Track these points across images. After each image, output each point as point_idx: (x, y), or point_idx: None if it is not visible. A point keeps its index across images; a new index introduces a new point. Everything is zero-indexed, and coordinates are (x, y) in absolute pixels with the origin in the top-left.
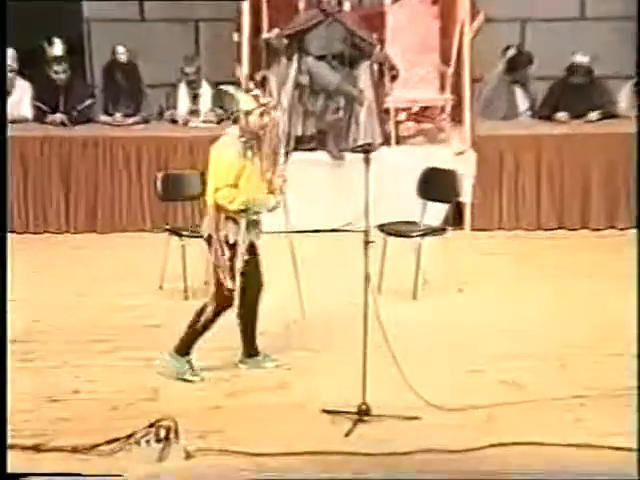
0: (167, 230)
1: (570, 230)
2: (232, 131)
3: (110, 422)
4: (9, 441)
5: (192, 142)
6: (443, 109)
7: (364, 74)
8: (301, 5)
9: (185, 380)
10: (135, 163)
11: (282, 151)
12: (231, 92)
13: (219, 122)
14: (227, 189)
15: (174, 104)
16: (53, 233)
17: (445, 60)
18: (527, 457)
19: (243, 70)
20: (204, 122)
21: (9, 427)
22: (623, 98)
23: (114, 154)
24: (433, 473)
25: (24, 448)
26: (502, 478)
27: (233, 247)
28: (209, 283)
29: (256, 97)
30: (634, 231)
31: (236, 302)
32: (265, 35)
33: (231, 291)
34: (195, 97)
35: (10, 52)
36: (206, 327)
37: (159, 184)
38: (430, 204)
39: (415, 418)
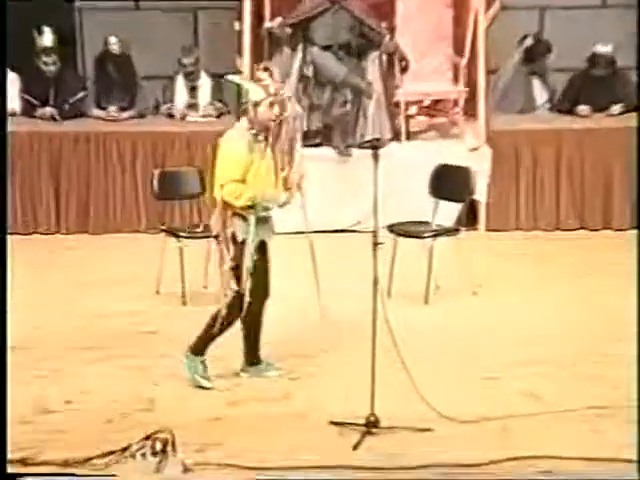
0: (164, 231)
1: (591, 230)
2: (241, 123)
3: (104, 434)
4: None
5: (190, 138)
6: (456, 102)
7: (372, 65)
8: None
9: (198, 386)
10: (130, 160)
11: (299, 145)
12: (238, 82)
13: (219, 116)
14: (234, 184)
15: (171, 97)
16: (42, 234)
17: (458, 50)
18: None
19: (244, 61)
20: (203, 116)
21: None
22: None
23: (107, 150)
24: None
25: (12, 462)
26: None
27: (241, 246)
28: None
29: (266, 87)
30: None
31: (245, 305)
32: (268, 24)
33: (240, 294)
34: (193, 90)
35: None
36: (223, 330)
37: (155, 182)
38: (442, 203)
39: (427, 430)
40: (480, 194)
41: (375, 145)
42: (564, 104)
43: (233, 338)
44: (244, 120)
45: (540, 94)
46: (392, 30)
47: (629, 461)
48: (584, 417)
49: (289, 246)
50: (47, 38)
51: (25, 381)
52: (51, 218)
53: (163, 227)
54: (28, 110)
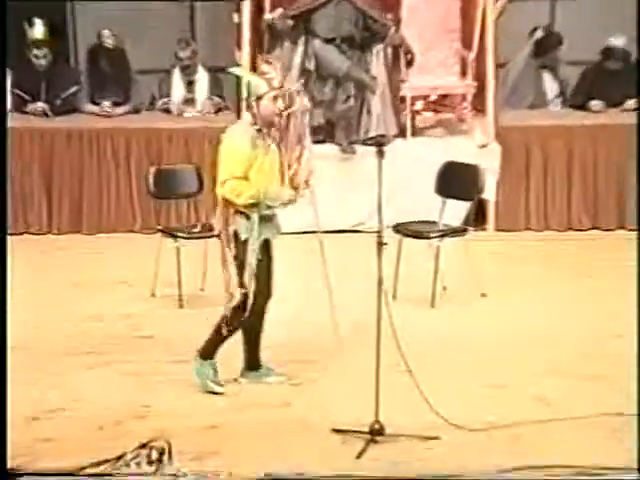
0: (160, 231)
1: (605, 230)
2: (243, 118)
3: (97, 442)
4: None
5: (187, 134)
6: (464, 97)
7: (377, 59)
8: None
9: (209, 391)
10: (124, 157)
11: (308, 141)
12: (241, 75)
13: (217, 112)
14: (235, 181)
15: (167, 92)
16: (34, 234)
17: (466, 43)
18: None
19: (243, 55)
20: (200, 112)
21: None
22: None
23: (101, 147)
24: None
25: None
26: None
27: (244, 245)
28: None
29: (269, 80)
30: None
31: (248, 306)
32: (268, 16)
33: (244, 295)
34: (190, 84)
35: None
36: (231, 332)
37: (151, 180)
38: (450, 202)
39: (434, 438)
40: (489, 193)
41: (379, 142)
42: (576, 99)
43: (232, 342)
44: (247, 115)
45: (551, 88)
46: (397, 22)
47: None
48: (598, 424)
49: (291, 245)
50: (38, 30)
51: (15, 387)
52: (43, 218)
53: (159, 227)
54: (19, 105)
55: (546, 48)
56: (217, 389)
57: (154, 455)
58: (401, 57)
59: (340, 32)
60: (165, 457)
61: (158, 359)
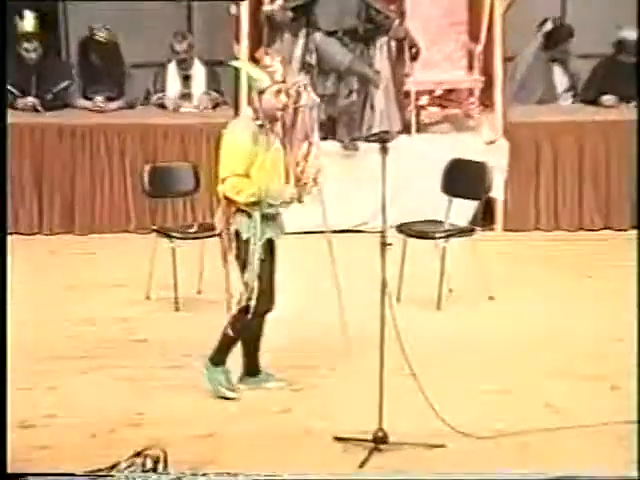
0: (155, 231)
1: (617, 230)
2: (245, 113)
3: (90, 450)
4: None
5: (184, 130)
6: (471, 92)
7: (380, 52)
8: None
9: (221, 397)
10: (118, 154)
11: (316, 137)
12: (242, 68)
13: (214, 107)
14: (235, 179)
15: (163, 87)
16: (23, 234)
17: (473, 36)
18: None
19: (242, 48)
20: (197, 107)
21: None
22: None
23: (94, 144)
24: None
25: None
26: None
27: (246, 245)
28: (202, 292)
29: (272, 74)
30: None
31: (252, 308)
32: (267, 7)
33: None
34: (187, 79)
35: None
36: (237, 335)
37: (146, 178)
38: (456, 201)
39: (439, 446)
40: (497, 191)
41: (383, 138)
42: (588, 93)
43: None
44: (249, 110)
45: (561, 82)
46: (402, 14)
47: None
48: (607, 432)
49: (293, 245)
50: (28, 22)
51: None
52: (33, 217)
53: (154, 227)
54: (8, 101)
55: (556, 41)
56: (229, 394)
57: (149, 464)
58: (405, 50)
59: (342, 24)
60: (160, 466)
61: (153, 364)
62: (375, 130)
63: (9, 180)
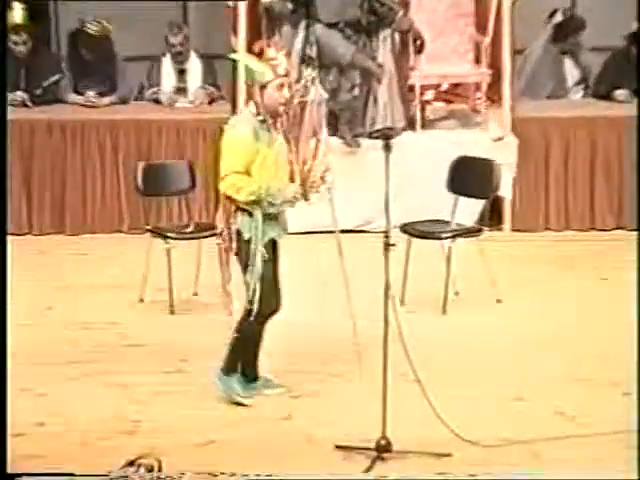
0: (149, 231)
1: (630, 231)
2: (248, 108)
3: (82, 459)
4: None
5: (179, 126)
6: (478, 86)
7: (384, 45)
8: None
9: (237, 403)
10: (110, 151)
11: (325, 133)
12: (243, 61)
13: (211, 102)
14: (235, 176)
15: (157, 81)
16: (13, 235)
17: (481, 28)
18: None
19: (239, 41)
20: (193, 102)
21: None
22: None
23: (85, 140)
24: None
25: None
26: None
27: (247, 245)
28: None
29: (274, 67)
30: None
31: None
32: None
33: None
34: (182, 72)
35: None
36: (242, 339)
37: (139, 176)
38: (463, 200)
39: (445, 455)
40: (505, 190)
41: (387, 134)
42: (600, 88)
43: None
44: (251, 104)
45: (572, 76)
46: (406, 5)
47: None
48: (623, 440)
49: (297, 246)
50: (17, 14)
51: None
52: (22, 217)
53: (148, 227)
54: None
55: (567, 32)
56: (246, 402)
57: (143, 473)
58: (410, 43)
59: (344, 16)
60: (155, 476)
61: (148, 370)
62: (378, 126)
63: (9, 180)
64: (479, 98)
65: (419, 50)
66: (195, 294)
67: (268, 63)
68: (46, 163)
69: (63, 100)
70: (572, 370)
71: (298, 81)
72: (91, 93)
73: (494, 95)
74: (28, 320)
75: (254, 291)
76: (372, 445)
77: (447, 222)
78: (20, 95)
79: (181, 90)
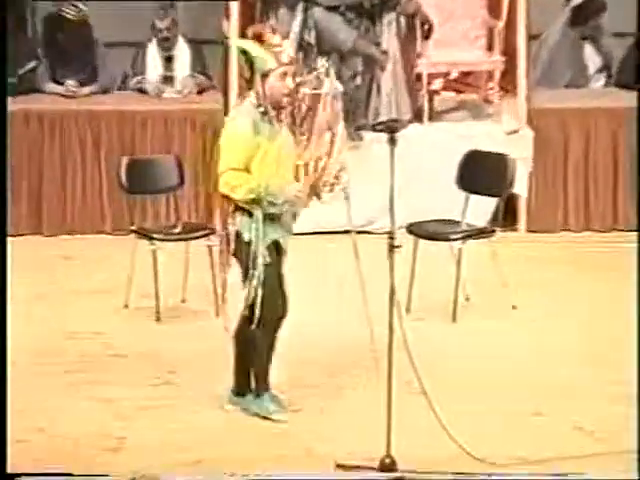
0: (134, 232)
1: None
2: (247, 99)
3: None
4: None
5: (166, 118)
6: (491, 75)
7: (388, 30)
8: None
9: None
10: (92, 145)
11: (340, 129)
12: (242, 47)
13: (200, 92)
14: (232, 173)
15: (142, 69)
16: None
17: (493, 11)
18: None
19: (232, 24)
20: (181, 92)
21: None
22: None
23: (65, 133)
24: None
25: None
26: None
27: (248, 247)
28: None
29: (277, 54)
30: None
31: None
32: None
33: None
34: (169, 60)
35: None
36: (250, 355)
37: (123, 172)
38: (474, 198)
39: (455, 474)
40: (520, 187)
41: (391, 127)
42: (623, 76)
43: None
44: (252, 95)
45: (593, 63)
46: None
47: None
48: None
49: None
50: None
51: None
52: None
53: (133, 227)
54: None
55: (586, 15)
56: (283, 418)
57: None
58: (417, 28)
59: None
60: None
61: (134, 382)
62: (382, 118)
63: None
64: (491, 88)
65: (427, 35)
66: (183, 300)
67: (270, 50)
68: (22, 158)
69: (40, 89)
70: (593, 383)
71: (306, 73)
72: (70, 82)
73: (508, 84)
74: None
75: (255, 297)
76: (376, 464)
77: (457, 222)
78: None
79: (168, 79)
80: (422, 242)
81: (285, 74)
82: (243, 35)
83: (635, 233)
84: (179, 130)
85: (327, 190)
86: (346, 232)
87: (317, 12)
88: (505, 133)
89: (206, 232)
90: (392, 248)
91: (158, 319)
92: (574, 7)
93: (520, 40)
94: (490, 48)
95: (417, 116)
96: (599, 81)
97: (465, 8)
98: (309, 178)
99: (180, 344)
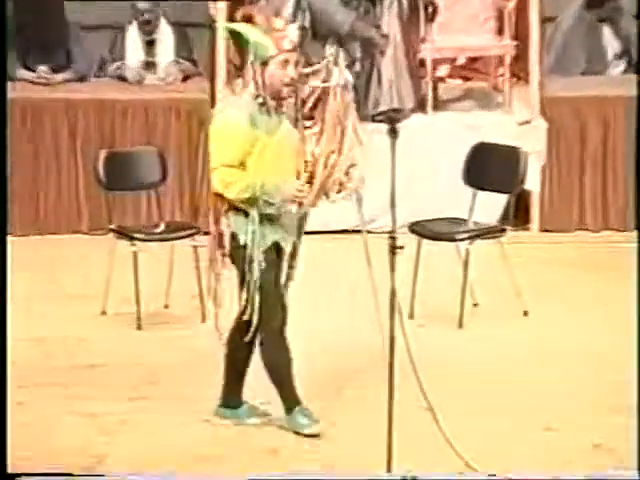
0: (113, 231)
1: None
2: (245, 90)
3: None
4: None
5: (147, 107)
6: (501, 61)
7: (389, 11)
8: None
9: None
10: (67, 137)
11: (351, 124)
12: (239, 31)
13: (185, 79)
14: (224, 170)
15: (121, 54)
16: None
17: None
18: None
19: (219, 6)
20: (164, 79)
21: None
22: None
23: (37, 124)
24: None
25: None
26: None
27: (244, 250)
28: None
29: (278, 40)
30: None
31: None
32: None
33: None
34: (151, 44)
35: None
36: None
37: (101, 167)
38: (482, 195)
39: None
40: (532, 183)
41: (392, 118)
42: None
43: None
44: (250, 84)
45: (612, 48)
46: None
47: None
48: None
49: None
50: None
51: None
52: None
53: (111, 226)
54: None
55: None
56: (317, 431)
57: None
58: (420, 9)
59: None
60: None
61: (113, 395)
62: (383, 107)
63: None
64: (501, 74)
65: (431, 18)
66: (166, 306)
67: (271, 35)
68: None
69: (10, 76)
70: (612, 396)
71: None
72: (43, 68)
73: (519, 71)
74: None
75: (252, 303)
76: None
77: (464, 221)
78: None
79: (150, 65)
80: (426, 242)
81: (287, 62)
82: (231, 18)
83: None
84: (162, 120)
85: (337, 189)
86: (344, 232)
87: None
88: (516, 124)
89: (191, 232)
90: (393, 249)
91: (139, 326)
92: None
93: (533, 23)
94: (500, 32)
95: (420, 105)
96: (618, 67)
97: None
98: (318, 176)
99: (162, 354)
